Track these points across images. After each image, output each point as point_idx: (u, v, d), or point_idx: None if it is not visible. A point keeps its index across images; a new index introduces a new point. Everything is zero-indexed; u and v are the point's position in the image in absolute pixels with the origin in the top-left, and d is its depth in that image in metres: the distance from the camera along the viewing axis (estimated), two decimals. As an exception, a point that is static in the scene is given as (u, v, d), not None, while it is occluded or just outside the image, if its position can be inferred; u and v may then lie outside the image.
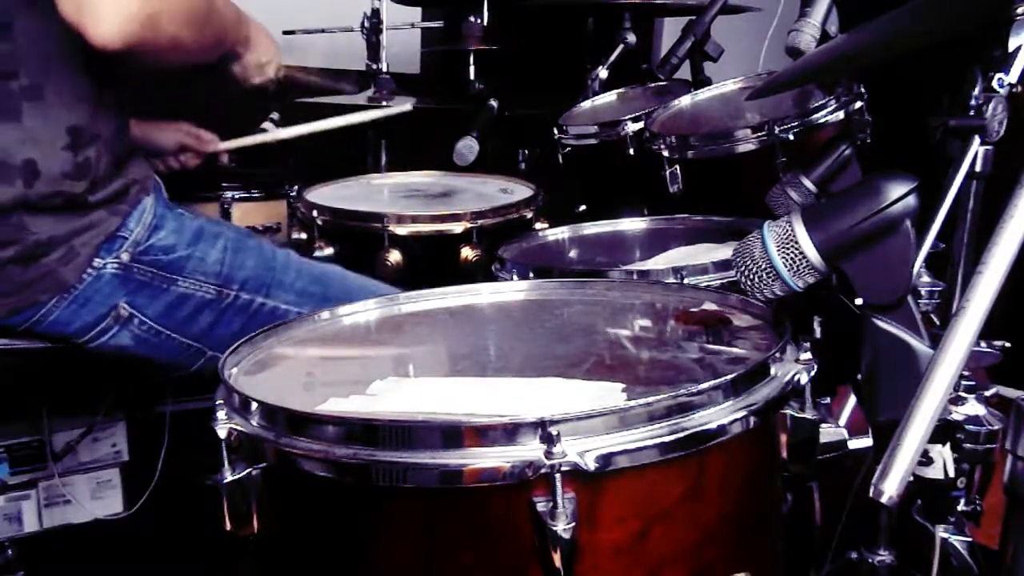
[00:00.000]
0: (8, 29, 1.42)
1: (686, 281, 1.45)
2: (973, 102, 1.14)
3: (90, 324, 1.52)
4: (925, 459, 1.15)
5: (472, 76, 2.70)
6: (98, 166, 1.48)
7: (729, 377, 0.98)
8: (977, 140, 1.15)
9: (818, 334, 1.42)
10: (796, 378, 1.03)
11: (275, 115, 2.55)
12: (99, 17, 1.32)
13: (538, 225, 2.01)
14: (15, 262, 1.45)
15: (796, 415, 1.03)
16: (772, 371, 1.03)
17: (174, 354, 1.58)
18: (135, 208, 1.53)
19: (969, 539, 1.19)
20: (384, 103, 2.44)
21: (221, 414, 1.02)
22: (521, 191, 2.17)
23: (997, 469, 1.12)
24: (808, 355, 1.06)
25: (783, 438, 1.04)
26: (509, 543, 0.91)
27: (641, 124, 2.08)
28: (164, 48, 1.42)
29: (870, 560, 1.31)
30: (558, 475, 0.87)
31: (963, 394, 1.17)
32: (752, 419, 0.97)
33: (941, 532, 1.19)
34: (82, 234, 1.48)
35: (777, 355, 1.05)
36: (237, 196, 2.23)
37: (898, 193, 1.04)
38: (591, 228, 1.94)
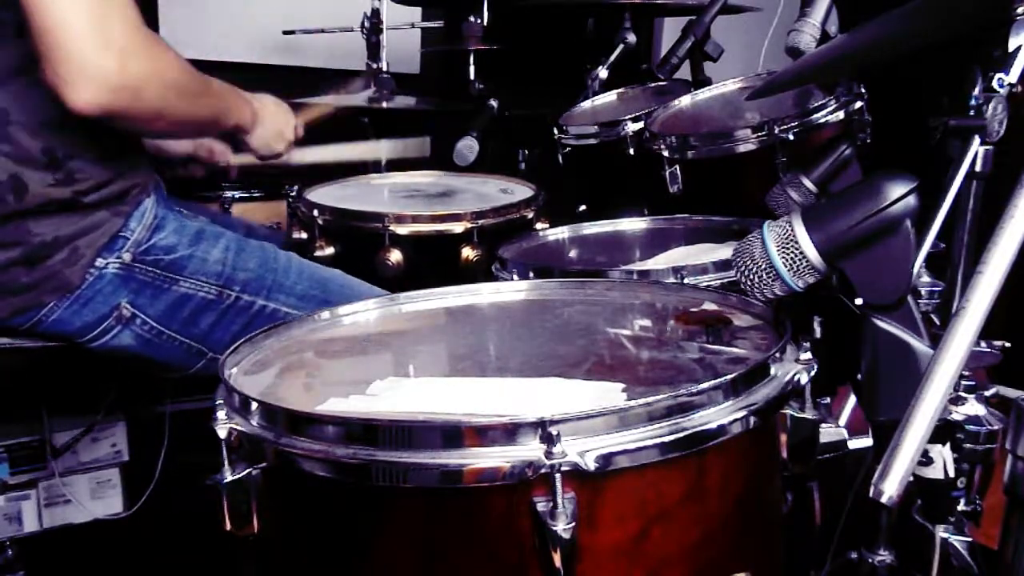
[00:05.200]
0: None
1: (686, 281, 1.45)
2: (973, 102, 1.14)
3: (92, 324, 1.52)
4: (925, 459, 1.15)
5: (472, 76, 2.70)
6: (84, 178, 1.48)
7: (729, 377, 0.98)
8: (977, 140, 1.15)
9: (818, 334, 1.42)
10: (796, 378, 1.03)
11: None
12: (77, 86, 1.33)
13: (538, 225, 2.01)
14: (20, 263, 1.46)
15: (796, 415, 1.03)
16: (772, 371, 1.03)
17: (175, 355, 1.59)
18: (136, 209, 1.54)
19: (969, 539, 1.19)
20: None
21: (221, 414, 1.02)
22: (521, 191, 2.17)
23: (997, 469, 1.12)
24: (808, 355, 1.06)
25: (783, 438, 1.04)
26: (509, 543, 0.91)
27: (641, 124, 2.08)
28: (147, 117, 1.43)
29: (870, 560, 1.31)
30: (558, 475, 0.87)
31: (963, 394, 1.17)
32: (752, 419, 0.97)
33: (941, 532, 1.19)
34: (85, 235, 1.49)
35: (777, 355, 1.05)
36: (237, 196, 2.23)
37: (898, 193, 1.04)
38: (591, 228, 1.94)
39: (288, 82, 2.55)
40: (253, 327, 1.55)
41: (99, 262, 1.50)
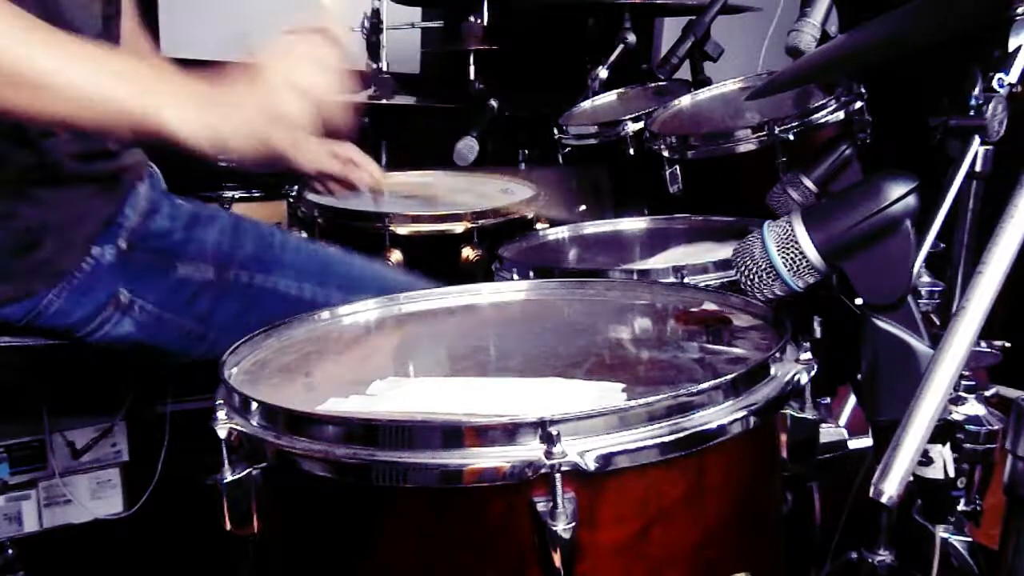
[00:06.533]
0: None
1: (686, 281, 1.45)
2: (973, 102, 1.14)
3: (91, 314, 1.50)
4: (925, 459, 1.15)
5: (472, 76, 2.70)
6: (63, 148, 1.45)
7: (729, 377, 0.98)
8: (977, 140, 1.14)
9: (818, 334, 1.42)
10: (796, 378, 1.03)
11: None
12: None
13: (538, 225, 2.02)
14: (10, 250, 1.44)
15: (796, 415, 1.03)
16: (772, 371, 1.03)
17: (176, 340, 1.57)
18: (129, 194, 1.52)
19: (969, 539, 1.19)
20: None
21: (221, 414, 1.02)
22: (521, 191, 2.17)
23: (997, 469, 1.12)
24: (808, 355, 1.06)
25: (783, 438, 1.04)
26: (509, 543, 0.91)
27: (641, 124, 2.08)
28: None
29: (870, 560, 1.31)
30: (558, 475, 0.87)
31: (963, 394, 1.17)
32: (752, 419, 0.97)
33: (941, 532, 1.19)
34: (77, 223, 1.47)
35: (777, 355, 1.05)
36: (237, 196, 2.23)
37: (898, 193, 1.04)
38: (591, 228, 1.94)
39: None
40: (252, 306, 1.54)
41: (95, 251, 1.49)
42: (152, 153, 1.70)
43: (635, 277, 1.52)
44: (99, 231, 1.49)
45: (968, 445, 1.15)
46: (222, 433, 1.01)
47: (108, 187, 1.50)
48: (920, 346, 1.06)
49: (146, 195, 1.55)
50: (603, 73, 2.51)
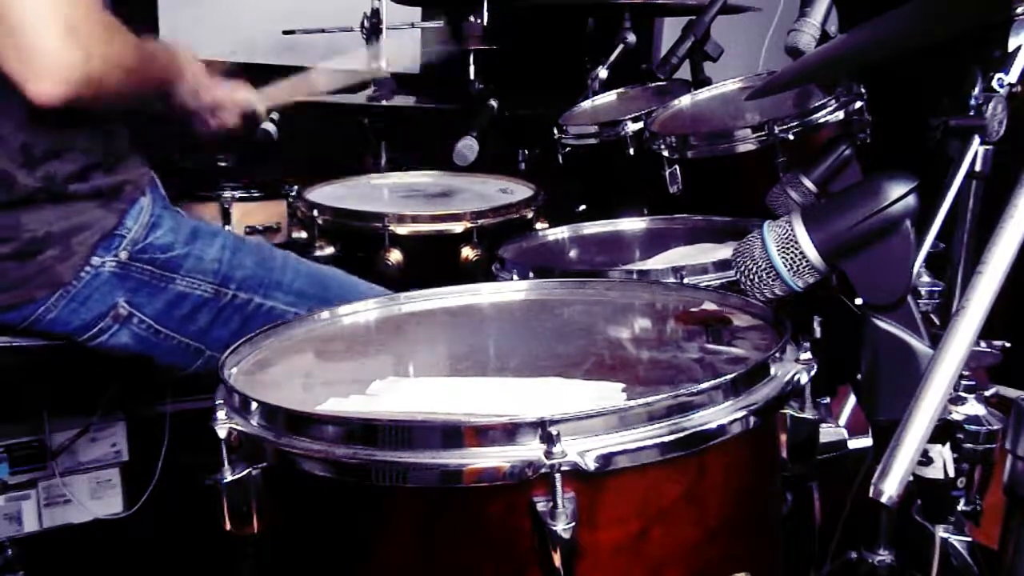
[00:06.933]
0: None
1: (686, 281, 1.45)
2: (973, 102, 1.14)
3: (89, 323, 1.52)
4: (925, 459, 1.15)
5: (472, 76, 2.70)
6: (67, 168, 1.48)
7: (729, 377, 0.98)
8: (977, 140, 1.15)
9: (818, 334, 1.42)
10: (796, 378, 1.03)
11: (275, 115, 2.55)
12: (40, 77, 1.33)
13: (538, 225, 2.01)
14: (11, 258, 1.46)
15: (796, 415, 1.03)
16: (772, 371, 1.03)
17: (173, 353, 1.59)
18: (132, 207, 1.54)
19: (969, 539, 1.19)
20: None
21: (221, 414, 1.02)
22: (521, 191, 2.17)
23: (997, 469, 1.12)
24: (808, 355, 1.06)
25: (783, 438, 1.04)
26: (509, 543, 0.91)
27: (641, 124, 2.08)
28: (106, 101, 1.44)
29: (870, 560, 1.31)
30: (558, 475, 0.87)
31: (963, 394, 1.17)
32: (752, 419, 0.97)
33: (941, 532, 1.19)
34: (79, 233, 1.49)
35: (777, 355, 1.05)
36: (237, 196, 2.22)
37: (898, 193, 1.04)
38: (591, 228, 1.94)
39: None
40: (251, 325, 1.55)
41: (95, 260, 1.50)
42: (154, 162, 1.71)
43: (635, 277, 1.52)
44: (100, 242, 1.50)
45: (968, 445, 1.15)
46: (222, 433, 1.01)
47: (110, 199, 1.52)
48: (920, 346, 1.06)
49: (148, 208, 1.56)
50: (603, 73, 2.51)
